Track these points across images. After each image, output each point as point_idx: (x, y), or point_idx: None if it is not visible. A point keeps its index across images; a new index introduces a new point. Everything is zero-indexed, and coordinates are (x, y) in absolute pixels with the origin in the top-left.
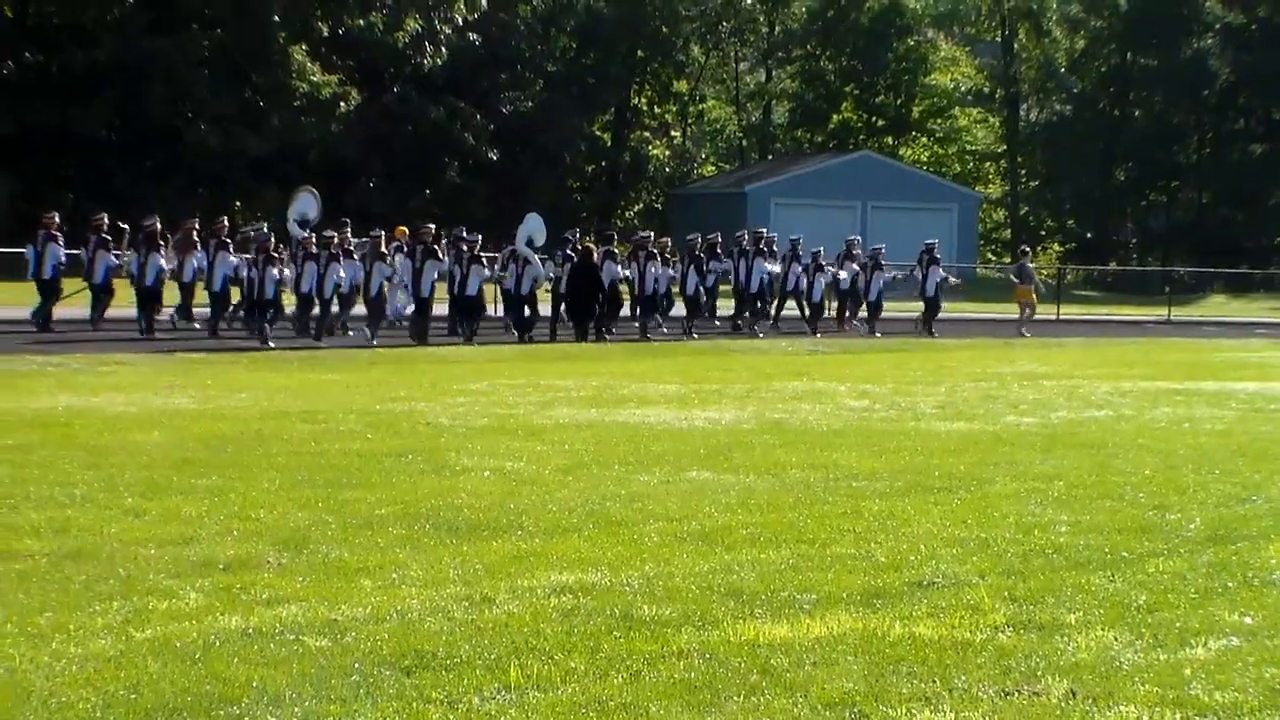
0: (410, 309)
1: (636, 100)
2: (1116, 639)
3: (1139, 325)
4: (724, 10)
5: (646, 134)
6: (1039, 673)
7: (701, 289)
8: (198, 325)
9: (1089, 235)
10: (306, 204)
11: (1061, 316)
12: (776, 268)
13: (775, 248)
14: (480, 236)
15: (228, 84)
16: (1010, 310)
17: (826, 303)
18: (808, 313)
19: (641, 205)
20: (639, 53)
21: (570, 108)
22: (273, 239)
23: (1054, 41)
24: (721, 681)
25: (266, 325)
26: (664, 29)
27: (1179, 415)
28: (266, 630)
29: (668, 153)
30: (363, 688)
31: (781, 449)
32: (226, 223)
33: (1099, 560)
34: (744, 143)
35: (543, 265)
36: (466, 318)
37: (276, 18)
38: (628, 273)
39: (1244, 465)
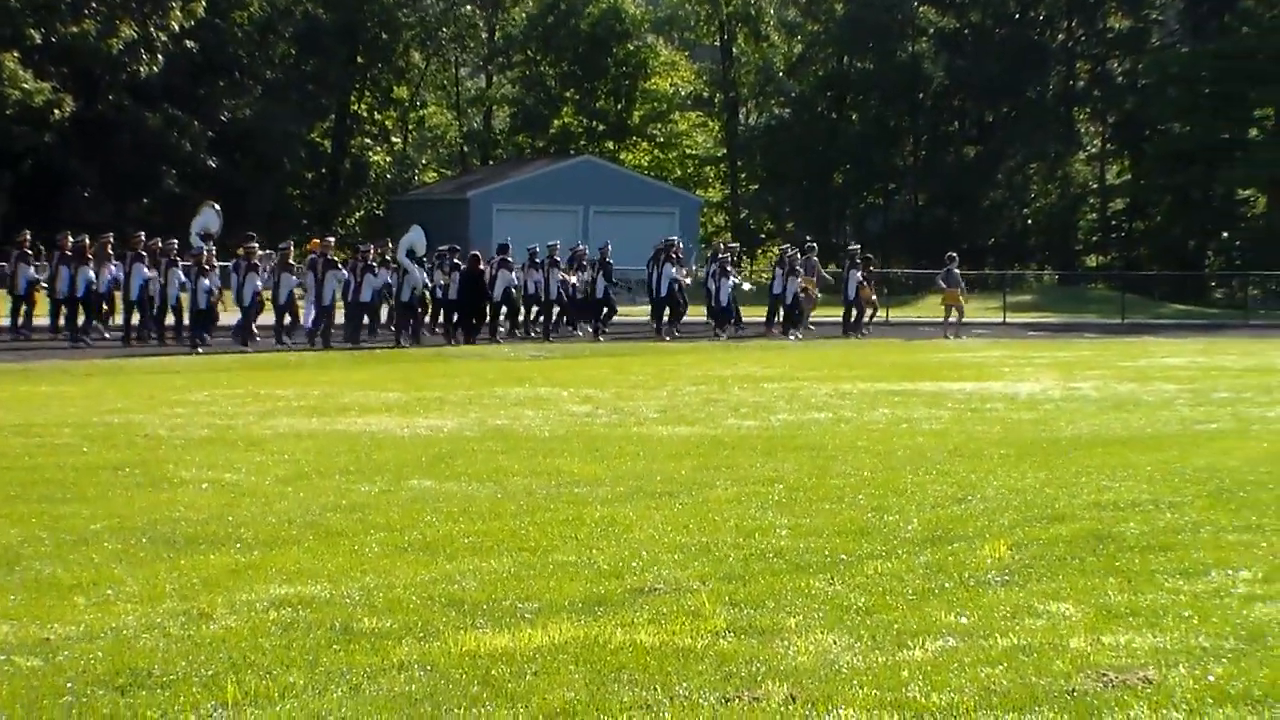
0: (311, 317)
1: (356, 106)
2: (836, 642)
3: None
4: (443, 16)
5: (367, 140)
6: (759, 678)
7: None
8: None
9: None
10: (209, 218)
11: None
12: (683, 272)
13: (679, 254)
14: (372, 247)
15: None
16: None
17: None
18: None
19: (363, 212)
20: (358, 59)
21: (289, 114)
22: (205, 252)
23: (772, 46)
24: (442, 694)
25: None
26: (383, 35)
27: (897, 416)
28: None
29: (389, 159)
30: (75, 708)
31: (504, 456)
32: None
33: (819, 563)
34: (465, 149)
35: (425, 274)
36: (359, 322)
37: None
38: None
39: (960, 465)
